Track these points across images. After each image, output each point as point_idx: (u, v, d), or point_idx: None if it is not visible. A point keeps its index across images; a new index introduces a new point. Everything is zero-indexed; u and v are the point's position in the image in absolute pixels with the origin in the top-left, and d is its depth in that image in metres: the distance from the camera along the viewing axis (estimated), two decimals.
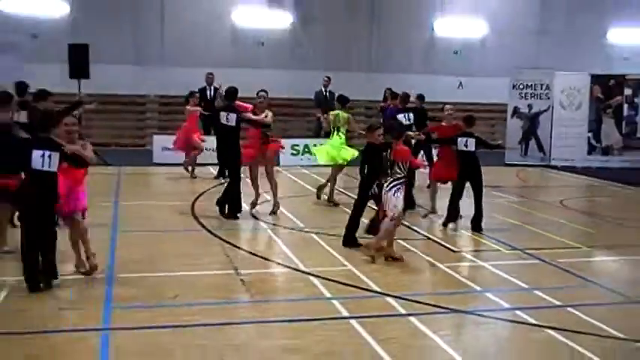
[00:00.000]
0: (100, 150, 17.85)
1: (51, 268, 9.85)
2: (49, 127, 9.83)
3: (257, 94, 15.44)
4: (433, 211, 15.24)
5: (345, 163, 16.62)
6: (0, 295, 9.46)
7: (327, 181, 16.93)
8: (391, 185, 11.71)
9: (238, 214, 14.85)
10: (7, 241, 11.60)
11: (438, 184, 15.46)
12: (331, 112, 17.14)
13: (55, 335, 8.35)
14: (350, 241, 12.58)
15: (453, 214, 14.29)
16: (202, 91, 23.57)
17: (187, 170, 20.19)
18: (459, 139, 14.06)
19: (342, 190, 17.87)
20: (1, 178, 10.65)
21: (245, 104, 15.39)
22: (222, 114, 15.01)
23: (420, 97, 19.55)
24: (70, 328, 8.51)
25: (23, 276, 9.63)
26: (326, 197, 16.82)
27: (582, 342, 8.27)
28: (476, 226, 14.11)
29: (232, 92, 15.27)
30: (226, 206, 14.92)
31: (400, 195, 11.72)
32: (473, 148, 13.98)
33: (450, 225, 14.26)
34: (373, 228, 12.44)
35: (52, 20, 27.81)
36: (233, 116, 14.74)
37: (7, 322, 8.59)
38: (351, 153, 16.44)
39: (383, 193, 11.86)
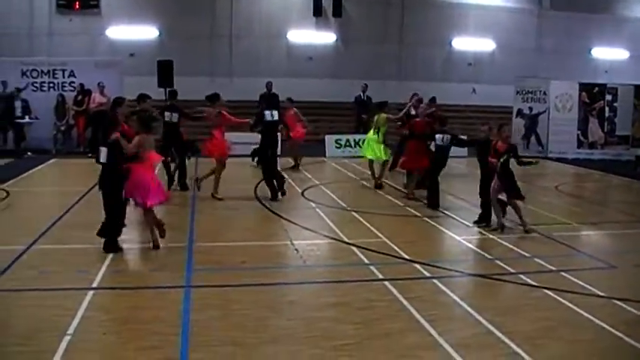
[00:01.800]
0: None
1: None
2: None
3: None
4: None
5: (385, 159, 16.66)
6: (107, 258, 9.61)
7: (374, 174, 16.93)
8: None
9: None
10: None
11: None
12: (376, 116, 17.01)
13: (149, 291, 8.49)
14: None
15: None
16: (262, 96, 23.63)
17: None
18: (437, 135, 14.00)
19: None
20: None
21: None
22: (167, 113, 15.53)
23: (432, 100, 19.63)
24: (160, 285, 8.65)
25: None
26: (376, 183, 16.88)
27: (572, 299, 8.27)
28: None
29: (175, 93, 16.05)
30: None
31: None
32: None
33: None
34: None
35: (145, 42, 28.20)
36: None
37: (112, 279, 8.75)
38: (388, 153, 16.70)
39: None
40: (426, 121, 15.09)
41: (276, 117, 15.23)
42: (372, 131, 16.88)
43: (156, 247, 10.33)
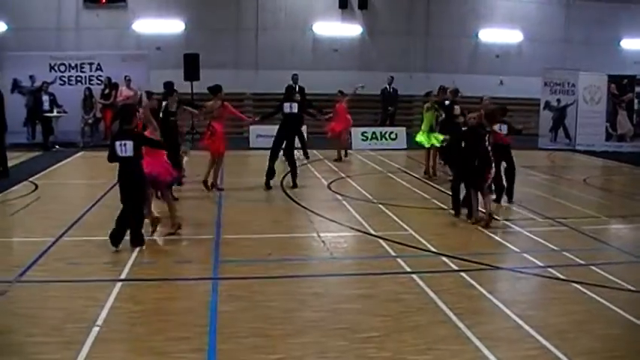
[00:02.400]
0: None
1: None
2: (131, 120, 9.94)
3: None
4: None
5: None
6: (135, 250, 9.67)
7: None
8: None
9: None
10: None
11: None
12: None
13: (176, 282, 8.55)
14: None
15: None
16: (288, 88, 23.64)
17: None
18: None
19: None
20: None
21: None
22: None
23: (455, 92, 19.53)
24: (188, 277, 8.71)
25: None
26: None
27: (601, 293, 8.16)
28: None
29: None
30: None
31: None
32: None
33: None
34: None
35: (171, 35, 28.24)
36: None
37: (140, 271, 8.83)
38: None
39: None
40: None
41: (295, 109, 15.29)
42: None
43: (178, 226, 10.66)
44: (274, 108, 16.09)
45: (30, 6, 27.49)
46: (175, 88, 15.29)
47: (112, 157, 9.74)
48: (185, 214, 11.71)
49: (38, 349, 6.30)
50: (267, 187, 15.11)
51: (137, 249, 9.68)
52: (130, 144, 9.57)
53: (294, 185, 15.27)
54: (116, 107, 22.50)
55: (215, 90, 14.77)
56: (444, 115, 16.29)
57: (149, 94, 14.37)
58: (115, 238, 9.62)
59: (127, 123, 9.84)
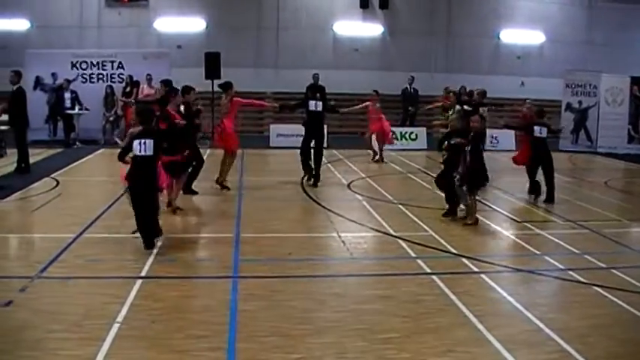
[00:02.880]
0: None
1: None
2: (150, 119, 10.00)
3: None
4: None
5: None
6: (155, 247, 9.70)
7: None
8: None
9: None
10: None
11: None
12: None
13: (196, 280, 8.58)
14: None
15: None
16: (309, 87, 23.66)
17: None
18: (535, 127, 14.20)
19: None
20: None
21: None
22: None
23: (470, 94, 19.65)
24: (208, 275, 8.73)
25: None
26: None
27: (622, 297, 8.09)
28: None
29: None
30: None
31: None
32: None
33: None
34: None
35: (192, 34, 28.41)
36: None
37: (160, 269, 8.85)
38: None
39: None
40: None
41: (319, 108, 15.32)
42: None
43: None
44: (298, 101, 16.14)
45: (53, 4, 27.79)
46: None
47: (123, 155, 9.73)
48: (205, 213, 11.73)
49: (59, 344, 6.33)
50: (308, 181, 15.50)
51: (157, 245, 9.72)
52: (149, 142, 9.53)
53: (315, 184, 15.31)
54: (136, 105, 22.70)
55: (225, 86, 14.78)
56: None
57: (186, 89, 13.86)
58: (150, 240, 9.69)
59: (147, 123, 9.85)
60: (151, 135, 9.66)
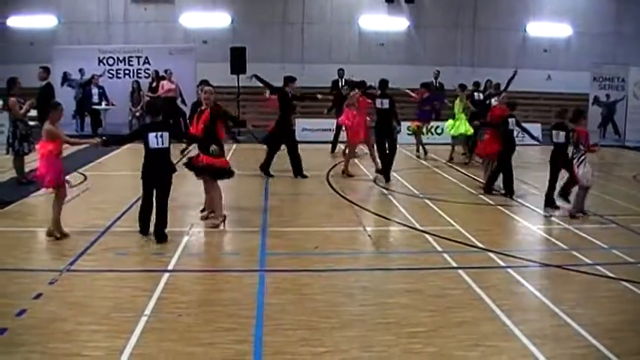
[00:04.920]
0: (254, 130, 18.21)
1: None
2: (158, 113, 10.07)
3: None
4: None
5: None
6: (182, 241, 9.78)
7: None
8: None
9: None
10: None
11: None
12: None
13: (223, 274, 8.61)
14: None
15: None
16: (335, 82, 23.71)
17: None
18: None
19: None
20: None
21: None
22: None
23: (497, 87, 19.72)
24: (235, 269, 8.77)
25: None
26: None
27: None
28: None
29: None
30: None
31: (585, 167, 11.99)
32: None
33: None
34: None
35: (218, 29, 28.53)
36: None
37: (187, 262, 8.92)
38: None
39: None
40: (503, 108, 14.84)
41: (386, 105, 15.38)
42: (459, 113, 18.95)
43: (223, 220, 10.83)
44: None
45: (79, 1, 28.02)
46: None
47: (128, 140, 10.09)
48: (231, 207, 11.76)
49: (89, 336, 6.42)
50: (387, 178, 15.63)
51: (184, 239, 9.80)
52: (166, 135, 9.67)
53: (388, 178, 15.54)
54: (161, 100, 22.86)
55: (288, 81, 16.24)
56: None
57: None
58: (145, 229, 9.95)
59: (155, 116, 9.99)
60: (166, 128, 9.86)
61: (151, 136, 9.62)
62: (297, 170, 15.75)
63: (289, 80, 16.07)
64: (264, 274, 8.49)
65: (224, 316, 7.01)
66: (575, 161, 11.98)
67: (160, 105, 10.36)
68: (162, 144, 9.64)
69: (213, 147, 10.27)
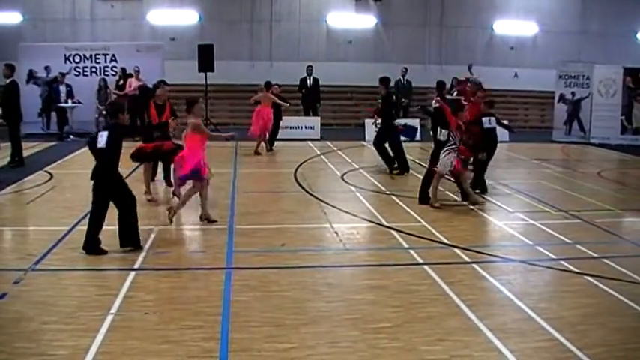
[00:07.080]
0: (221, 128, 18.16)
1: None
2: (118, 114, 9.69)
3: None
4: None
5: None
6: (149, 239, 9.75)
7: None
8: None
9: None
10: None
11: None
12: None
13: (190, 272, 8.59)
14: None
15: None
16: (303, 80, 23.75)
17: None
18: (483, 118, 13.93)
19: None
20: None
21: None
22: None
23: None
24: (201, 267, 8.76)
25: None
26: None
27: (614, 286, 8.14)
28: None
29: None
30: None
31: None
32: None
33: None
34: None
35: (186, 27, 28.41)
36: None
37: (154, 260, 8.90)
38: None
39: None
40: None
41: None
42: None
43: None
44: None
45: None
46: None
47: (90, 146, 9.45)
48: (199, 204, 11.72)
49: (54, 336, 6.37)
50: (391, 172, 16.41)
51: (151, 237, 9.76)
52: (104, 134, 9.20)
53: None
54: (128, 97, 22.69)
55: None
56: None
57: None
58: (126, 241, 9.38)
59: (113, 117, 9.67)
60: (108, 128, 9.52)
61: (98, 135, 9.33)
62: None
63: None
64: (231, 271, 8.48)
65: (190, 314, 6.99)
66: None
67: (117, 108, 10.07)
68: (101, 143, 9.15)
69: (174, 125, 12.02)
